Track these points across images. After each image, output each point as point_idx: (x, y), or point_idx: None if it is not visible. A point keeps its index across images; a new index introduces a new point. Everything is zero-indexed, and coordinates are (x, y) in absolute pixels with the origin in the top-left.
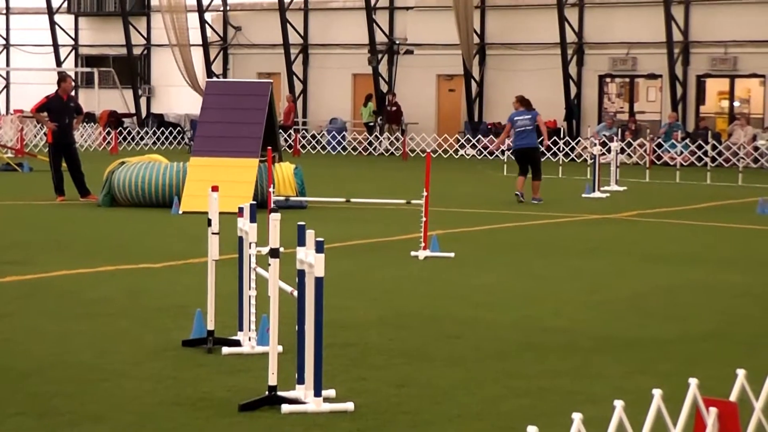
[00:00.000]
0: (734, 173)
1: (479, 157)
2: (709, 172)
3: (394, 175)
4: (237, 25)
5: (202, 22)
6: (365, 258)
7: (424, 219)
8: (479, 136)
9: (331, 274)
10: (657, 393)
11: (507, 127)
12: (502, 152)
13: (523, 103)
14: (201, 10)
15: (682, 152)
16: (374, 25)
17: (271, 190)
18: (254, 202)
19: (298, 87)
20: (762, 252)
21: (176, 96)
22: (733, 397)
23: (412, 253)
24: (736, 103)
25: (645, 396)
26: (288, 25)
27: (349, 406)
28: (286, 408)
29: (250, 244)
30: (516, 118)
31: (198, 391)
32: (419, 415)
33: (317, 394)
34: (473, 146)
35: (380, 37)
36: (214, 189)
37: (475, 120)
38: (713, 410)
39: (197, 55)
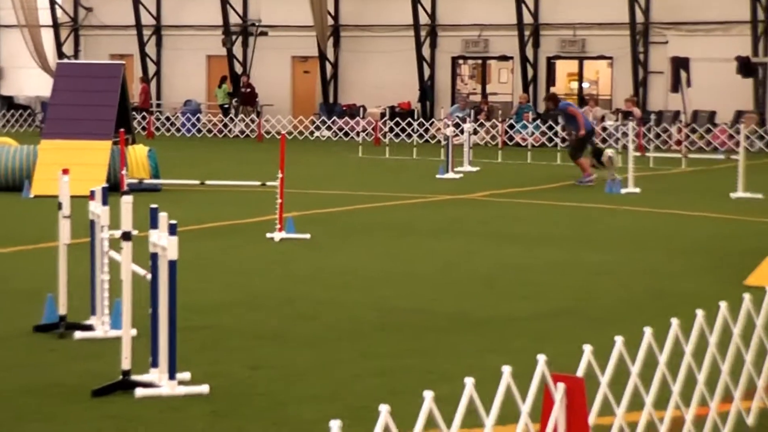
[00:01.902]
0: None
1: (335, 139)
2: (560, 152)
3: (249, 157)
4: (88, 5)
5: (52, 2)
6: (220, 240)
7: (279, 201)
8: (334, 117)
9: (185, 256)
10: (506, 370)
11: (580, 115)
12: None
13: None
14: None
15: (533, 133)
16: (228, 6)
17: (123, 172)
18: (107, 185)
19: (152, 69)
20: (609, 230)
21: (26, 78)
22: (580, 372)
23: (268, 235)
24: (585, 85)
25: (498, 373)
26: (140, 5)
27: (204, 388)
28: (139, 392)
29: (102, 227)
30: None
31: (49, 378)
32: (274, 397)
33: (171, 377)
34: (328, 128)
35: (234, 19)
36: (65, 172)
37: (330, 102)
38: (561, 386)
39: (47, 36)
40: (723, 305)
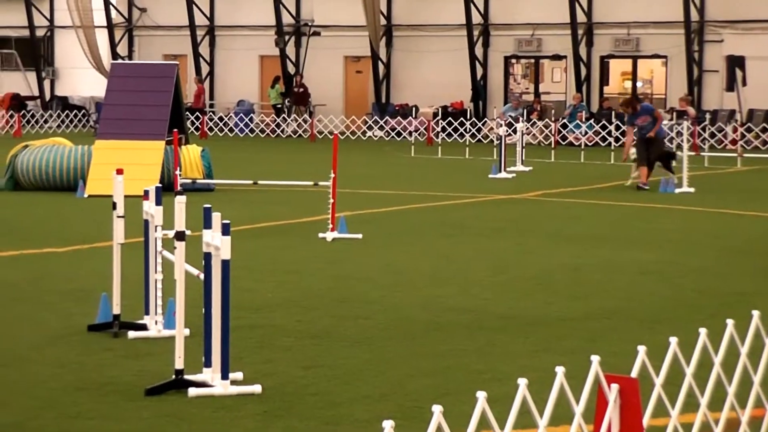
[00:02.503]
0: None
1: (387, 139)
2: (613, 151)
3: (302, 157)
4: (142, 6)
5: (107, 3)
6: (273, 240)
7: (331, 200)
8: (387, 117)
9: (238, 256)
10: (560, 370)
11: (661, 120)
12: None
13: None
14: None
15: (586, 132)
16: (281, 6)
17: (177, 172)
18: (160, 185)
19: (205, 69)
20: (663, 230)
21: (81, 78)
22: (634, 373)
23: (320, 235)
24: (639, 84)
25: (550, 373)
26: (194, 6)
27: (257, 388)
28: (193, 391)
29: (156, 227)
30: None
31: (104, 376)
32: (327, 396)
33: (224, 377)
34: (381, 128)
35: (287, 19)
36: (119, 172)
37: (383, 101)
38: (614, 386)
39: (102, 37)
40: None
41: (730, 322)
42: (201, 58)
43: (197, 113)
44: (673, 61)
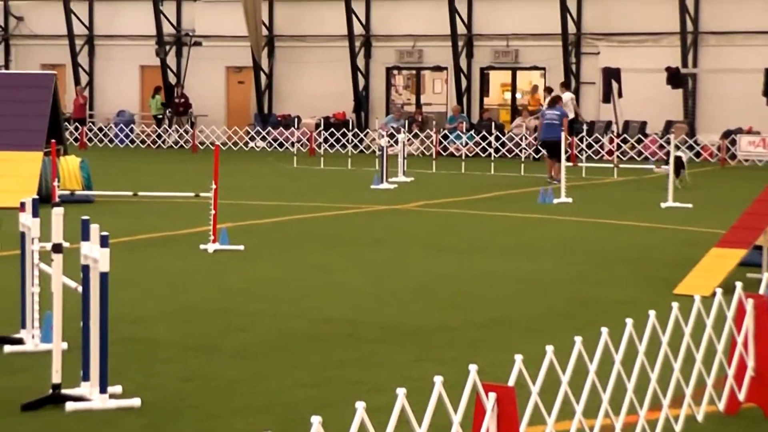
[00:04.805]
0: (517, 163)
1: (269, 149)
2: (493, 162)
3: (183, 168)
4: (19, 15)
5: None
6: (153, 252)
7: (213, 212)
8: (269, 128)
9: (117, 268)
10: (438, 380)
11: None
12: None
13: (553, 100)
14: None
15: (467, 143)
16: (162, 16)
17: (55, 183)
18: (37, 197)
19: (84, 79)
20: (542, 239)
21: None
22: (511, 381)
23: (201, 247)
24: (519, 95)
25: (429, 383)
26: (72, 15)
27: (136, 402)
28: (70, 406)
29: (33, 239)
30: (546, 112)
31: None
32: (206, 409)
33: (103, 390)
34: (263, 138)
35: (168, 29)
36: None
37: (265, 112)
38: (492, 395)
39: None
40: (652, 314)
41: (604, 330)
42: (80, 67)
43: (76, 124)
44: (551, 73)
